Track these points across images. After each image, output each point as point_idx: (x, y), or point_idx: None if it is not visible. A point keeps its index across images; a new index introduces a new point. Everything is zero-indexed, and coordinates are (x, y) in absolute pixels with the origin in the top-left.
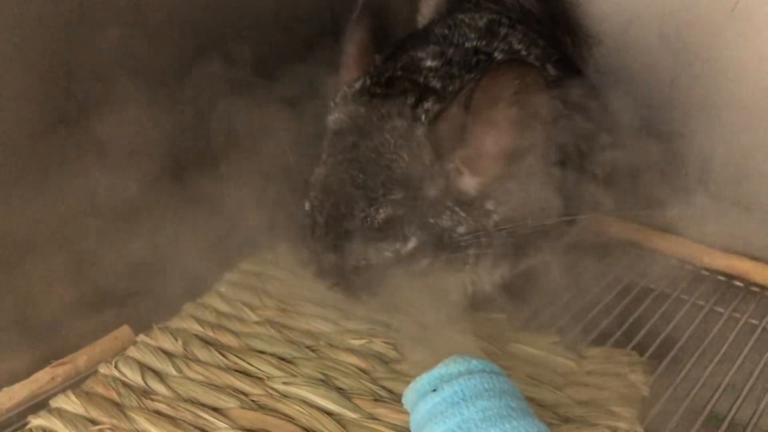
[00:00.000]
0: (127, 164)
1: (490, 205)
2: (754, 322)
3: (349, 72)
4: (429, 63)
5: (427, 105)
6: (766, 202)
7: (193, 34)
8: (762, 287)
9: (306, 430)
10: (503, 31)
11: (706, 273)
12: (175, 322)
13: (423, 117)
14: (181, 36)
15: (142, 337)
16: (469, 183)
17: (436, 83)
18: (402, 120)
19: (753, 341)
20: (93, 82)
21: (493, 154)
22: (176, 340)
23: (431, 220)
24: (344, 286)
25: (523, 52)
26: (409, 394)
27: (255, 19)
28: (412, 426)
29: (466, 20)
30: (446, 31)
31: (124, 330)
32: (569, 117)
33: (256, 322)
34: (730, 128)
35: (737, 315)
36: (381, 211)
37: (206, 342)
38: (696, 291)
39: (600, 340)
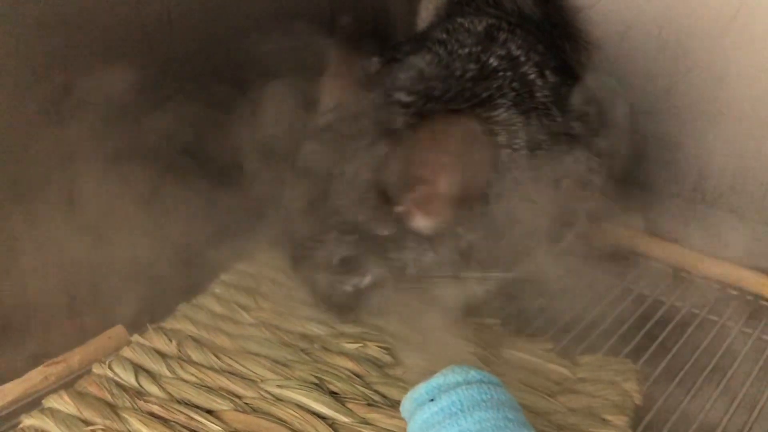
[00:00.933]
0: (123, 162)
1: (459, 230)
2: (748, 330)
3: (325, 99)
4: (404, 98)
5: (378, 149)
6: (763, 210)
7: (191, 34)
8: (757, 296)
9: None
10: (502, 36)
11: (701, 281)
12: (170, 323)
13: (370, 161)
14: (179, 35)
15: (136, 338)
16: (422, 223)
17: (398, 123)
18: (351, 164)
19: (747, 350)
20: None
21: (441, 198)
22: (170, 340)
23: (393, 255)
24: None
25: (522, 58)
26: (406, 403)
27: (253, 19)
28: None
29: (465, 24)
30: (444, 36)
31: (119, 330)
32: (566, 124)
33: (251, 324)
34: (728, 136)
35: (731, 324)
36: (336, 252)
37: (200, 343)
38: (691, 299)
39: (594, 348)
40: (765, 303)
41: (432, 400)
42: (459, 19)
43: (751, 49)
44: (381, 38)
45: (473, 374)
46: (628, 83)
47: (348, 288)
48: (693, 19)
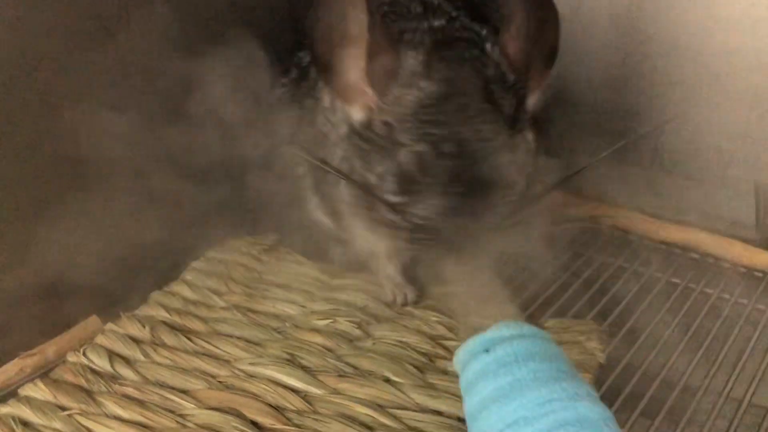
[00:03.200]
0: (93, 153)
1: (530, 135)
2: (708, 291)
3: (387, 57)
4: (438, 23)
5: (490, 47)
6: (718, 175)
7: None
8: (716, 258)
9: (272, 407)
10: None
11: (663, 246)
12: (143, 310)
13: (496, 56)
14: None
15: (110, 326)
16: (533, 98)
17: (470, 33)
18: (487, 68)
19: (706, 310)
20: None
21: (540, 63)
22: (144, 327)
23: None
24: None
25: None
26: (460, 354)
27: (212, 10)
28: (462, 385)
29: None
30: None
31: (93, 320)
32: None
33: (223, 308)
34: (682, 104)
35: (692, 285)
36: (506, 156)
37: (174, 328)
38: (653, 264)
39: (560, 313)
40: (725, 264)
41: (486, 350)
42: None
43: (699, 18)
44: None
45: (527, 329)
46: (583, 57)
47: (512, 198)
48: None
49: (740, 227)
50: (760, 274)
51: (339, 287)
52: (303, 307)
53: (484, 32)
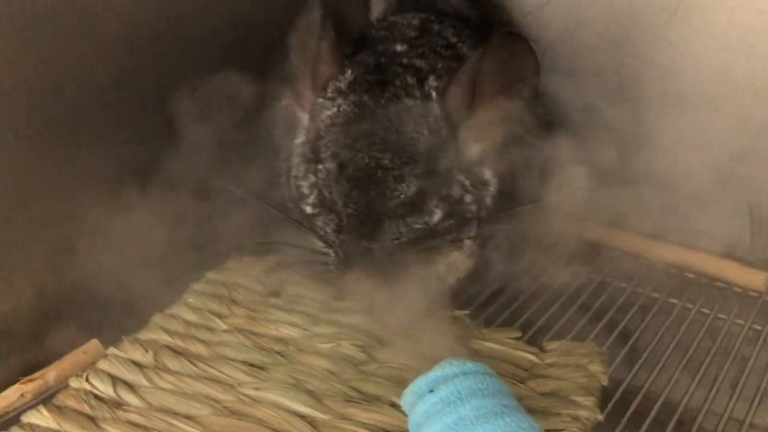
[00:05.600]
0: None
1: (487, 175)
2: (705, 311)
3: (327, 67)
4: (399, 48)
5: (432, 82)
6: (714, 196)
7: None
8: (711, 278)
9: None
10: (436, 27)
11: (660, 266)
12: (145, 334)
13: (433, 93)
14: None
15: (112, 350)
16: (473, 149)
17: (421, 63)
18: (413, 99)
19: (704, 330)
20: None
21: (495, 120)
22: (146, 351)
23: (444, 192)
24: (376, 272)
25: (459, 44)
26: (407, 396)
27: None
28: (411, 426)
29: (400, 21)
30: (383, 33)
31: (94, 344)
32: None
33: (225, 331)
34: (677, 124)
35: (689, 306)
36: (411, 185)
37: (176, 352)
38: (650, 284)
39: (560, 335)
40: (720, 285)
41: (431, 391)
42: (392, 18)
43: (692, 41)
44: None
45: (469, 366)
46: (579, 79)
47: (419, 226)
48: (637, 16)
49: (735, 247)
50: (756, 294)
51: (341, 309)
52: (305, 330)
53: (439, 65)
